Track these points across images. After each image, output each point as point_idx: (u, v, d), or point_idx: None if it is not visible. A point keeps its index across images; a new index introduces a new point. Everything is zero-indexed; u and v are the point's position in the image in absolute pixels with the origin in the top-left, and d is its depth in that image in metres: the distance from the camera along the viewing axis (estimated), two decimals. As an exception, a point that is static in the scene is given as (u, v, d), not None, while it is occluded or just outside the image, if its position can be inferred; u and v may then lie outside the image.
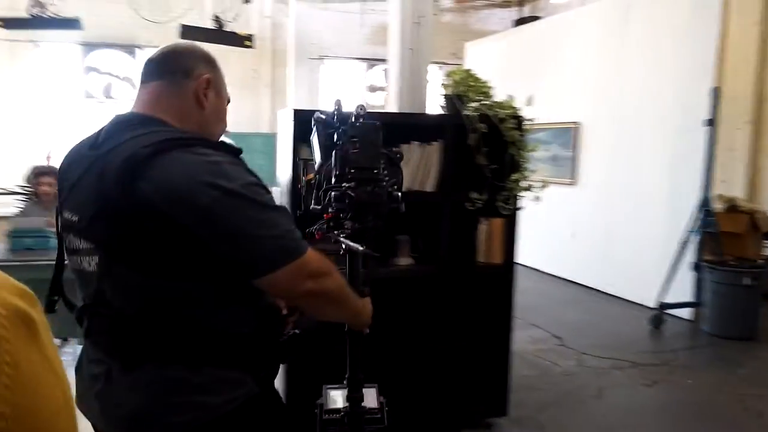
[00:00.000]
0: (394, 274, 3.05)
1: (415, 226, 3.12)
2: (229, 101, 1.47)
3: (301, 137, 2.77)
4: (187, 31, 8.15)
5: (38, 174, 4.22)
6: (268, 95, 10.57)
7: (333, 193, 1.45)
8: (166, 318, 1.21)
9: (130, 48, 9.91)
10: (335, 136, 1.50)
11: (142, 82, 1.36)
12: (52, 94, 9.81)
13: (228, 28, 8.24)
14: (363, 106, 1.54)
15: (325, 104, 10.67)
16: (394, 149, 1.58)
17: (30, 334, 0.40)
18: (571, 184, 6.96)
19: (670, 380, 4.22)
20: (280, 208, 1.25)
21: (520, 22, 10.17)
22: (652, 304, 5.48)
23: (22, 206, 4.39)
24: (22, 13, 7.91)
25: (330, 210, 1.48)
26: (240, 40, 8.26)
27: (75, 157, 1.32)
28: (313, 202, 1.56)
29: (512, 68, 7.78)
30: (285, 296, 1.34)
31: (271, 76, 10.51)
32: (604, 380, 4.15)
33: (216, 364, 1.24)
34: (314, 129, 1.56)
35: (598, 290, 6.54)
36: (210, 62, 1.41)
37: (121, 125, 1.27)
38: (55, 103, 9.83)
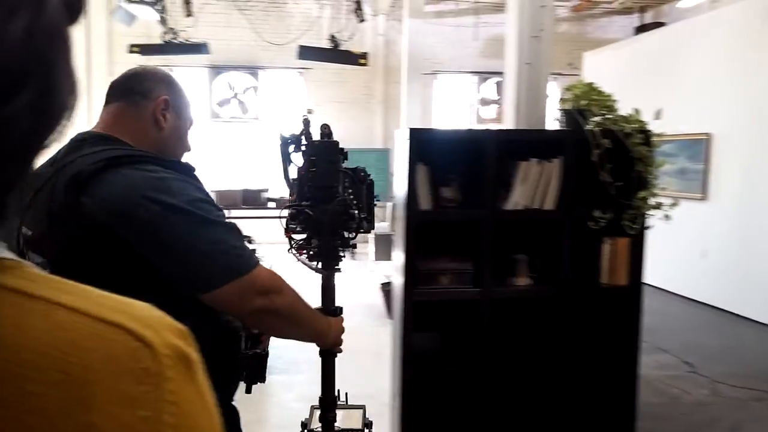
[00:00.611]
0: (512, 294, 2.97)
1: (533, 244, 3.03)
2: (192, 124, 1.47)
3: (417, 155, 2.78)
4: (305, 51, 8.47)
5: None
6: (381, 111, 10.75)
7: (289, 212, 1.45)
8: None
9: (253, 69, 10.44)
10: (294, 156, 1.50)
11: (105, 103, 1.39)
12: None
13: (343, 47, 8.47)
14: (327, 125, 1.51)
15: (438, 119, 10.68)
16: (358, 167, 1.54)
17: (189, 374, 0.41)
18: (701, 199, 6.51)
19: (820, 417, 3.81)
20: (229, 225, 1.23)
21: (642, 29, 9.72)
22: (797, 330, 4.98)
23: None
24: (157, 40, 8.57)
25: (297, 229, 1.48)
26: (355, 59, 8.46)
27: (34, 175, 1.35)
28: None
29: (634, 78, 7.42)
30: (234, 313, 1.30)
31: (383, 93, 10.68)
32: (742, 413, 3.81)
33: None
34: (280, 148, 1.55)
35: (734, 313, 6.04)
36: (171, 84, 1.42)
37: (79, 143, 1.29)
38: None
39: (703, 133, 6.48)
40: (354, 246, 1.54)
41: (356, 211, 1.49)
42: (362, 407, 1.83)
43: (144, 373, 0.38)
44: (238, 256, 1.20)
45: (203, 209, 1.19)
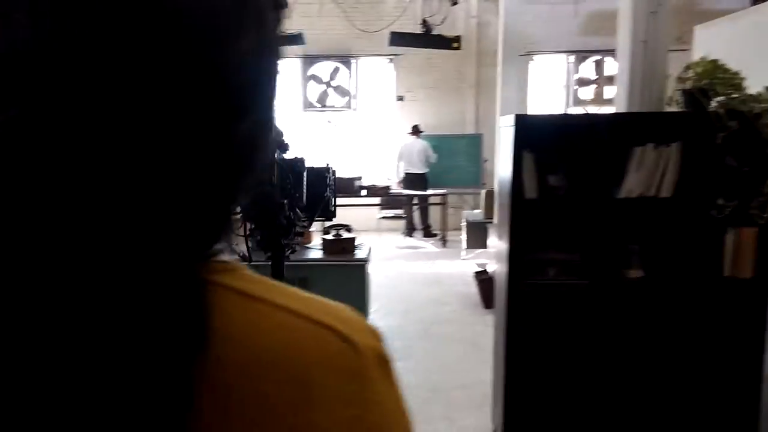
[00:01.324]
0: (623, 288, 2.82)
1: (648, 234, 2.86)
2: None
3: (522, 143, 2.67)
4: (396, 38, 8.44)
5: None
6: (473, 96, 10.55)
7: None
8: None
9: (345, 58, 10.52)
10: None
11: None
12: (278, 105, 10.75)
13: (435, 31, 8.36)
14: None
15: (534, 102, 10.37)
16: (296, 158, 1.57)
17: (387, 374, 0.42)
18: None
19: None
20: None
21: (759, -2, 8.99)
22: None
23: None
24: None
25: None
26: (448, 43, 8.34)
27: None
28: None
29: (753, 52, 6.88)
30: None
31: (475, 77, 10.48)
32: None
33: None
34: None
35: None
36: None
37: None
38: (279, 114, 10.76)
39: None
40: (300, 234, 1.56)
41: (285, 201, 1.51)
42: None
43: (353, 373, 0.39)
44: None
45: None
